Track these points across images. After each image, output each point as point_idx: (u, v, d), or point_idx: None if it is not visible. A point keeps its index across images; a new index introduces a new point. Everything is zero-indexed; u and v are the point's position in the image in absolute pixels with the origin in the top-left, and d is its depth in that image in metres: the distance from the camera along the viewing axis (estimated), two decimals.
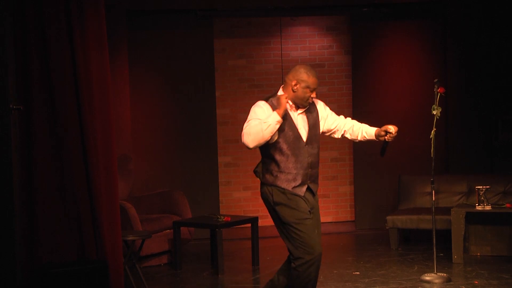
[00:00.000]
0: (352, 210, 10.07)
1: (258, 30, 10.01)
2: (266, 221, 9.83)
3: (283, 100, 5.33)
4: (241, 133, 5.40)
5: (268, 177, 5.54)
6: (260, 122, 5.33)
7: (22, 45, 6.00)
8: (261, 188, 5.66)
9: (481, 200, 7.78)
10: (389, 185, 9.66)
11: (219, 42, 9.88)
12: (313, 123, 5.57)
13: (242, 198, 10.03)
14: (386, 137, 5.58)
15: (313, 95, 5.50)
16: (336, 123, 5.69)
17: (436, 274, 7.01)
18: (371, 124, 5.76)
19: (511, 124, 9.58)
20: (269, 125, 5.29)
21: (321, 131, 5.65)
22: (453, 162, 9.68)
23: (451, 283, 6.94)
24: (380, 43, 9.85)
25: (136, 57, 9.37)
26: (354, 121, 5.76)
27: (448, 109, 9.52)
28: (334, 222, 10.06)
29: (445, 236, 8.19)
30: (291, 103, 5.50)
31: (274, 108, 5.43)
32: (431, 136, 6.98)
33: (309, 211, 5.51)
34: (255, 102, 5.51)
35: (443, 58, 9.80)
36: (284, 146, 5.44)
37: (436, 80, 7.05)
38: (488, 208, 7.77)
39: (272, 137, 5.38)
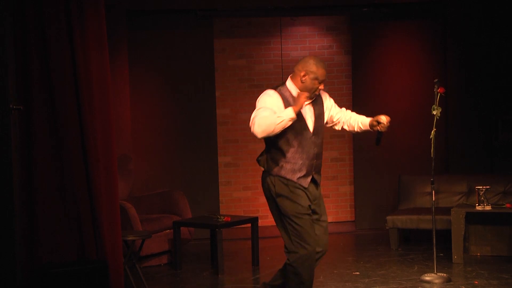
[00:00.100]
0: (352, 210, 10.07)
1: (258, 30, 10.01)
2: (266, 221, 9.85)
3: (303, 98, 5.34)
4: (248, 124, 5.40)
5: (273, 166, 5.52)
6: (274, 115, 5.30)
7: (22, 45, 6.00)
8: (263, 177, 5.63)
9: (481, 200, 7.78)
10: (389, 185, 9.66)
11: (219, 42, 9.88)
12: (319, 114, 5.61)
13: (242, 198, 10.03)
14: (378, 127, 5.58)
15: (321, 86, 5.53)
16: (339, 115, 5.75)
17: (436, 274, 7.01)
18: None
19: (511, 124, 9.58)
20: (283, 120, 5.28)
21: (325, 121, 5.68)
22: (453, 162, 9.68)
23: (451, 283, 6.93)
24: (380, 43, 9.85)
25: (136, 57, 9.37)
26: (352, 113, 5.82)
27: (448, 109, 9.52)
28: (334, 222, 10.06)
29: (445, 236, 8.19)
30: (307, 102, 5.51)
31: (283, 98, 5.43)
32: (431, 136, 6.98)
33: (310, 205, 5.53)
34: (255, 102, 5.51)
35: (443, 58, 9.80)
36: (291, 137, 5.44)
37: (436, 80, 7.04)
38: (488, 208, 7.77)
39: None
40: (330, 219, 10.11)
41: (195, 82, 9.69)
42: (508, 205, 7.86)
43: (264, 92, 5.52)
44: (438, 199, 8.64)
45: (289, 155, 5.47)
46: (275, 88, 5.54)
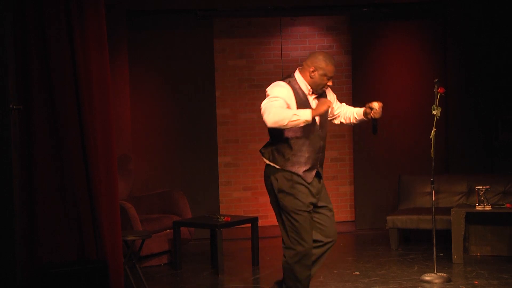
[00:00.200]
0: (352, 210, 10.07)
1: (258, 30, 10.01)
2: (266, 221, 9.85)
3: (325, 107, 5.33)
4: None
5: (279, 159, 5.50)
6: (290, 110, 5.28)
7: (22, 45, 6.00)
8: (266, 171, 5.60)
9: (481, 200, 7.78)
10: (389, 185, 9.66)
11: (219, 42, 9.88)
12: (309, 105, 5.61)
13: (242, 198, 10.03)
14: (371, 114, 5.57)
15: (330, 83, 5.55)
16: (339, 110, 5.79)
17: (436, 274, 7.01)
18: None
19: (511, 124, 9.58)
20: (298, 119, 5.26)
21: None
22: (453, 162, 9.68)
23: (451, 283, 6.93)
24: (380, 43, 9.85)
25: (136, 57, 9.38)
26: (348, 106, 5.84)
27: (448, 109, 9.52)
28: None
29: (445, 236, 8.19)
30: (329, 110, 5.52)
31: (294, 91, 5.44)
32: (431, 136, 6.98)
33: (311, 202, 5.52)
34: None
35: (443, 58, 9.80)
36: (299, 129, 5.44)
37: (436, 80, 7.04)
38: (488, 208, 7.77)
39: None
40: None
41: (195, 82, 9.69)
42: (508, 205, 7.86)
43: (275, 83, 5.50)
44: (438, 199, 8.64)
45: (296, 147, 5.46)
46: (285, 80, 5.52)
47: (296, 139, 5.46)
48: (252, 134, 9.99)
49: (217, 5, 9.44)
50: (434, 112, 6.97)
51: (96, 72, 6.16)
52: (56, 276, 5.84)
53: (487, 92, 9.63)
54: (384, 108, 5.66)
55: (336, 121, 5.86)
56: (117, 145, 6.96)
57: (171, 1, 9.33)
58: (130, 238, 6.90)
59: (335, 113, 5.79)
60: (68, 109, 6.09)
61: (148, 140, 9.57)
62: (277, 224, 5.73)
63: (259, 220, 8.21)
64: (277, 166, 5.50)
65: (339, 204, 10.17)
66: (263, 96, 10.68)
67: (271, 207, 10.14)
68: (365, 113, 5.65)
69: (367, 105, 5.63)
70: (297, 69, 5.60)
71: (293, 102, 5.41)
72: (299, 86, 5.49)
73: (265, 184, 5.63)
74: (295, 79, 5.52)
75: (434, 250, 7.09)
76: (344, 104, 5.87)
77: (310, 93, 5.53)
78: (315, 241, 5.64)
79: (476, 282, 6.93)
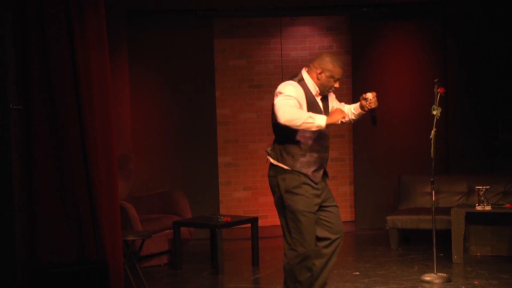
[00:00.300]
0: (352, 210, 10.07)
1: (258, 30, 10.01)
2: (266, 221, 9.85)
3: (340, 116, 5.34)
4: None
5: (287, 160, 5.48)
6: (306, 112, 5.28)
7: (22, 45, 6.01)
8: (272, 171, 5.57)
9: (481, 200, 7.78)
10: (389, 185, 9.66)
11: (219, 42, 9.88)
12: (326, 108, 5.66)
13: (242, 198, 10.03)
14: (367, 105, 5.57)
15: (337, 84, 5.56)
16: (340, 108, 5.77)
17: (436, 274, 7.01)
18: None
19: (511, 124, 9.58)
20: (312, 123, 5.25)
21: None
22: (453, 162, 9.68)
23: (451, 283, 6.93)
24: (380, 43, 9.85)
25: (136, 57, 9.38)
26: (346, 105, 5.83)
27: (448, 109, 9.52)
28: None
29: (445, 236, 8.19)
30: (342, 120, 5.54)
31: (305, 91, 5.44)
32: (431, 136, 6.98)
33: (317, 203, 5.52)
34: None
35: (443, 58, 9.80)
36: (310, 130, 5.43)
37: (436, 80, 7.05)
38: (488, 208, 7.77)
39: None
40: None
41: (195, 82, 9.69)
42: (508, 205, 7.86)
43: (287, 82, 5.48)
44: (438, 199, 8.64)
45: (306, 147, 5.46)
46: (294, 79, 5.51)
47: (306, 139, 5.45)
48: (252, 134, 9.99)
49: (217, 5, 9.44)
50: (434, 112, 6.97)
51: (96, 72, 6.17)
52: (56, 276, 5.85)
53: (487, 92, 9.63)
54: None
55: None
56: (117, 145, 6.97)
57: (171, 1, 9.33)
58: (130, 238, 6.91)
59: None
60: (68, 109, 6.09)
61: (148, 140, 9.57)
62: (277, 224, 5.74)
63: (259, 220, 8.21)
64: (285, 167, 5.48)
65: (339, 204, 10.01)
66: (263, 96, 10.72)
67: (271, 207, 10.17)
68: (361, 106, 5.65)
69: (361, 97, 5.63)
70: (304, 69, 5.58)
71: (304, 103, 5.42)
72: (308, 87, 5.50)
73: (270, 184, 5.60)
74: (304, 80, 5.52)
75: (434, 250, 7.09)
76: (343, 103, 5.88)
77: (318, 94, 5.55)
78: (323, 239, 5.63)
79: (476, 282, 6.93)
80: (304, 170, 5.46)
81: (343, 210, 10.16)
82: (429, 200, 8.25)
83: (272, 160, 5.55)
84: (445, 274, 7.03)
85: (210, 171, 9.73)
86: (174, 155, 9.64)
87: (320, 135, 5.51)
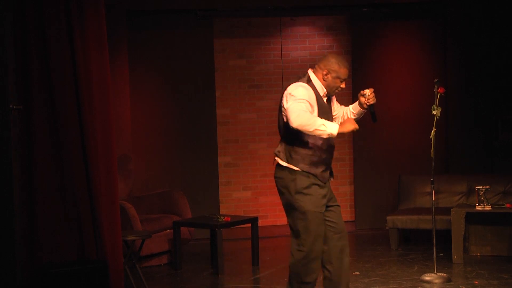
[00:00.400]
0: (352, 210, 10.07)
1: (258, 30, 10.01)
2: (266, 221, 9.85)
3: (352, 127, 5.35)
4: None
5: (297, 161, 5.48)
6: (319, 119, 5.28)
7: (22, 45, 6.01)
8: (281, 172, 5.55)
9: (481, 200, 7.78)
10: (389, 185, 9.66)
11: (219, 42, 9.88)
12: (330, 108, 5.67)
13: (242, 198, 10.03)
14: (366, 101, 5.58)
15: (343, 85, 5.56)
16: (338, 111, 5.80)
17: (436, 274, 7.01)
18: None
19: (511, 124, 9.58)
20: (324, 130, 5.27)
21: None
22: (453, 162, 9.68)
23: (451, 283, 6.94)
24: (380, 43, 9.85)
25: (136, 57, 9.38)
26: (345, 107, 5.84)
27: (448, 109, 9.52)
28: None
29: (445, 236, 8.19)
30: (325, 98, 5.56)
31: (316, 93, 5.45)
32: (431, 136, 6.98)
33: (324, 204, 5.54)
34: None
35: (443, 58, 9.80)
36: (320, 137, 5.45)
37: (436, 80, 7.05)
38: (488, 208, 7.77)
39: None
40: None
41: (195, 82, 9.69)
42: (508, 205, 7.86)
43: (298, 84, 5.47)
44: (438, 199, 8.64)
45: (315, 148, 5.47)
46: (304, 80, 5.51)
47: (315, 139, 5.45)
48: (252, 134, 10.00)
49: (217, 5, 9.44)
50: (434, 112, 6.97)
51: (96, 72, 6.17)
52: (56, 276, 5.85)
53: (487, 92, 9.63)
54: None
55: (336, 122, 5.86)
56: (117, 145, 6.97)
57: (171, 1, 9.33)
58: (130, 238, 6.90)
59: (333, 114, 5.80)
60: (68, 109, 6.09)
61: (148, 140, 9.57)
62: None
63: (259, 220, 8.21)
64: (295, 168, 5.48)
65: (339, 204, 10.16)
66: (263, 96, 10.72)
67: (270, 207, 10.23)
68: (360, 104, 5.66)
69: (359, 94, 5.64)
70: (310, 70, 5.59)
71: (315, 105, 5.44)
72: (316, 88, 5.51)
73: (278, 185, 5.59)
74: (312, 81, 5.53)
75: (434, 250, 7.10)
76: (343, 106, 5.89)
77: (325, 95, 5.57)
78: (328, 239, 5.63)
79: (476, 282, 6.93)
80: (313, 171, 5.47)
81: (343, 210, 10.09)
82: (429, 200, 8.25)
83: (280, 162, 5.54)
84: (445, 274, 7.03)
85: (210, 171, 9.73)
86: (174, 155, 9.64)
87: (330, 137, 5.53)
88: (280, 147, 5.57)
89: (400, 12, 9.81)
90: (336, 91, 5.60)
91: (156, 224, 8.03)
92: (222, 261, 7.58)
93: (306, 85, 5.47)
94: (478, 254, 7.98)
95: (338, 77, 5.53)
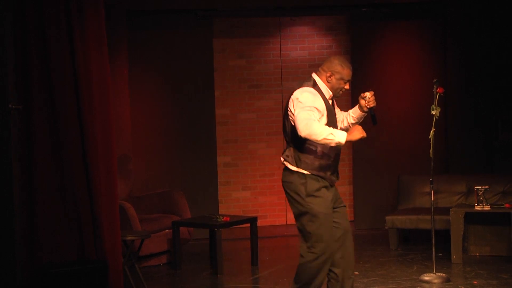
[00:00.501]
0: (351, 210, 10.07)
1: (258, 30, 10.02)
2: (265, 221, 9.86)
3: (360, 135, 5.36)
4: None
5: (306, 164, 5.49)
6: (328, 128, 5.30)
7: (22, 45, 6.01)
8: (289, 176, 5.56)
9: (480, 200, 7.79)
10: (388, 185, 9.67)
11: (218, 42, 9.89)
12: (335, 111, 5.69)
13: (241, 198, 10.04)
14: (366, 104, 5.59)
15: (347, 86, 5.58)
16: (338, 115, 5.80)
17: (435, 274, 7.01)
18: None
19: (511, 124, 9.58)
20: (332, 140, 5.29)
21: None
22: (453, 162, 9.69)
23: (450, 283, 6.94)
24: (380, 43, 9.85)
25: (136, 57, 9.38)
26: (344, 112, 5.85)
27: (447, 109, 9.53)
28: None
29: (444, 236, 8.19)
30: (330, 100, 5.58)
31: (323, 97, 5.47)
32: (430, 136, 6.98)
33: (332, 206, 5.57)
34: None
35: (443, 58, 9.80)
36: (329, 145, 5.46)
37: (435, 80, 7.05)
38: (487, 208, 7.77)
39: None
40: None
41: (195, 82, 9.70)
42: (507, 205, 7.86)
43: (306, 89, 5.47)
44: (437, 199, 8.65)
45: (324, 152, 5.49)
46: (309, 85, 5.52)
47: (324, 145, 5.46)
48: (251, 134, 10.00)
49: (217, 5, 9.44)
50: (433, 112, 6.98)
51: (96, 72, 6.17)
52: (56, 276, 5.85)
53: (487, 92, 9.63)
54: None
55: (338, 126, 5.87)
56: (117, 145, 6.97)
57: (171, 1, 9.33)
58: (129, 238, 6.91)
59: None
60: (68, 109, 6.10)
61: (148, 140, 9.57)
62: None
63: (258, 220, 8.22)
64: (304, 172, 5.49)
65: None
66: (263, 96, 10.70)
67: (270, 207, 10.22)
68: (360, 107, 5.67)
69: (359, 97, 5.65)
70: (315, 73, 5.60)
71: (324, 110, 5.45)
72: (322, 91, 5.52)
73: (288, 190, 5.58)
74: (318, 85, 5.54)
75: (433, 250, 7.10)
76: (342, 111, 5.90)
77: (330, 97, 5.58)
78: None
79: (475, 282, 6.93)
80: (322, 174, 5.50)
81: None
82: (428, 200, 8.25)
83: (290, 166, 5.55)
84: (444, 274, 7.03)
85: (209, 171, 9.73)
86: (173, 155, 9.64)
87: None
88: (288, 152, 5.58)
89: (400, 12, 9.81)
90: (341, 92, 5.61)
91: (155, 224, 8.03)
92: (222, 261, 7.58)
93: (312, 90, 5.48)
94: (477, 254, 7.99)
95: (342, 79, 5.55)
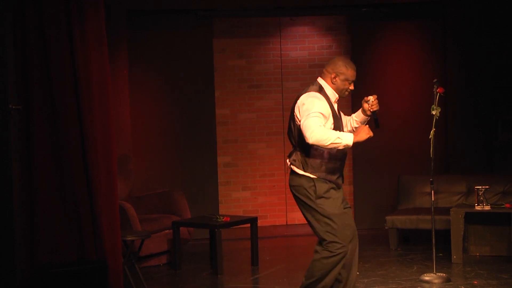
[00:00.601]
0: (352, 210, 10.05)
1: (258, 30, 10.02)
2: (265, 221, 9.85)
3: (367, 136, 5.42)
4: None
5: (313, 168, 5.52)
6: (335, 132, 5.33)
7: (22, 45, 6.01)
8: (297, 180, 5.58)
9: (480, 200, 7.79)
10: (388, 185, 9.66)
11: (218, 42, 9.89)
12: (340, 115, 5.72)
13: (241, 198, 10.03)
14: (369, 108, 5.63)
15: (351, 87, 5.61)
16: (343, 119, 5.80)
17: (436, 274, 7.01)
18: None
19: (511, 124, 9.58)
20: (340, 143, 5.34)
21: None
22: (453, 162, 9.69)
23: (450, 283, 6.94)
24: (380, 43, 9.85)
25: (136, 57, 9.38)
26: (346, 116, 5.88)
27: (448, 109, 9.53)
28: None
29: (444, 236, 8.19)
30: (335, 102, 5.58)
31: (328, 101, 5.49)
32: (430, 136, 6.98)
33: (342, 206, 5.61)
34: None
35: (443, 58, 9.80)
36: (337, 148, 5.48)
37: (435, 80, 7.05)
38: (487, 208, 7.77)
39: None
40: None
41: (195, 82, 9.70)
42: (507, 205, 7.86)
43: (313, 95, 5.50)
44: (437, 199, 8.64)
45: (331, 156, 5.52)
46: (315, 89, 5.53)
47: (330, 148, 5.47)
48: (251, 134, 10.00)
49: (217, 5, 9.44)
50: (434, 112, 6.98)
51: (96, 72, 6.17)
52: (56, 276, 5.85)
53: (487, 92, 9.63)
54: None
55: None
56: (117, 145, 6.97)
57: (171, 1, 9.33)
58: (129, 238, 6.91)
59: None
60: (68, 109, 6.09)
61: (148, 140, 9.57)
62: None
63: (259, 220, 8.22)
64: (311, 176, 5.52)
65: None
66: (263, 96, 10.70)
67: (270, 207, 10.22)
68: (363, 110, 5.70)
69: (363, 100, 5.68)
70: (320, 77, 5.62)
71: (329, 115, 5.47)
72: (328, 95, 5.54)
73: (297, 193, 5.59)
74: (323, 89, 5.56)
75: (434, 250, 7.10)
76: (346, 116, 5.92)
77: (336, 100, 5.59)
78: None
79: (475, 282, 6.93)
80: (329, 177, 5.54)
81: None
82: (428, 200, 8.25)
83: (297, 170, 5.57)
84: (444, 274, 7.03)
85: (209, 171, 9.73)
86: (173, 155, 9.64)
87: None
88: (295, 156, 5.60)
89: (400, 12, 9.81)
90: (346, 92, 5.64)
91: (155, 224, 8.03)
92: (222, 261, 7.58)
93: (319, 95, 5.50)
94: (478, 254, 7.98)
95: (346, 79, 5.59)
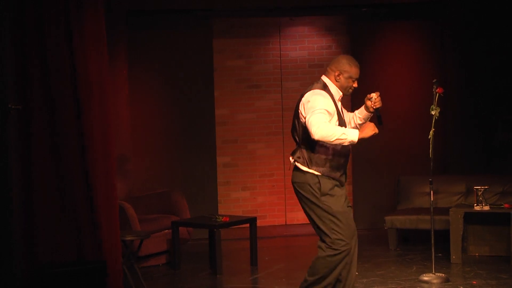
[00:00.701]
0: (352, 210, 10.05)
1: (257, 30, 10.02)
2: (264, 221, 9.86)
3: (372, 132, 5.42)
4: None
5: (318, 165, 5.54)
6: (340, 129, 5.35)
7: (22, 44, 6.01)
8: (301, 177, 5.60)
9: (480, 200, 7.79)
10: (387, 185, 9.66)
11: (218, 42, 9.89)
12: (343, 113, 5.73)
13: (240, 198, 10.04)
14: (372, 105, 5.66)
15: (355, 84, 5.64)
16: (346, 116, 5.81)
17: (435, 274, 7.02)
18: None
19: (511, 124, 9.58)
20: (345, 139, 5.35)
21: None
22: (452, 162, 9.69)
23: (449, 283, 6.94)
24: (380, 43, 9.85)
25: (135, 57, 9.38)
26: (350, 113, 5.90)
27: (447, 109, 9.53)
28: None
29: (443, 236, 8.19)
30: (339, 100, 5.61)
31: (332, 98, 5.51)
32: (429, 136, 6.99)
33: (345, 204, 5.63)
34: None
35: (442, 58, 9.80)
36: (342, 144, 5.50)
37: (434, 80, 7.06)
38: (486, 208, 7.77)
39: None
40: None
41: (194, 82, 9.70)
42: (506, 205, 7.87)
43: (316, 92, 5.52)
44: (436, 199, 8.65)
45: (335, 153, 5.54)
46: (319, 87, 5.55)
47: (335, 145, 5.49)
48: (250, 134, 10.00)
49: (216, 5, 9.44)
50: (433, 112, 6.98)
51: (95, 72, 6.17)
52: (56, 276, 5.85)
53: (487, 92, 9.63)
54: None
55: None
56: (116, 145, 6.97)
57: (171, 1, 9.33)
58: (128, 238, 6.91)
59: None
60: (68, 109, 6.10)
61: (147, 140, 9.57)
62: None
63: (258, 220, 8.22)
64: (316, 173, 5.53)
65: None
66: (262, 96, 10.70)
67: (269, 207, 10.21)
68: (366, 108, 5.72)
69: (365, 98, 5.70)
70: (324, 75, 5.64)
71: (334, 112, 5.50)
72: (332, 93, 5.56)
73: (302, 190, 5.60)
74: (328, 86, 5.58)
75: (433, 250, 7.10)
76: (349, 112, 5.93)
77: (340, 98, 5.62)
78: None
79: (474, 282, 6.94)
80: (333, 175, 5.56)
81: None
82: (427, 200, 8.25)
83: (301, 167, 5.58)
84: (443, 274, 7.04)
85: (208, 171, 9.73)
86: (173, 155, 9.64)
87: None
88: (300, 153, 5.61)
89: (399, 12, 9.81)
90: (350, 90, 5.68)
91: (154, 224, 8.04)
92: (221, 261, 7.58)
93: (323, 92, 5.53)
94: (477, 254, 7.99)
95: (350, 77, 5.62)
